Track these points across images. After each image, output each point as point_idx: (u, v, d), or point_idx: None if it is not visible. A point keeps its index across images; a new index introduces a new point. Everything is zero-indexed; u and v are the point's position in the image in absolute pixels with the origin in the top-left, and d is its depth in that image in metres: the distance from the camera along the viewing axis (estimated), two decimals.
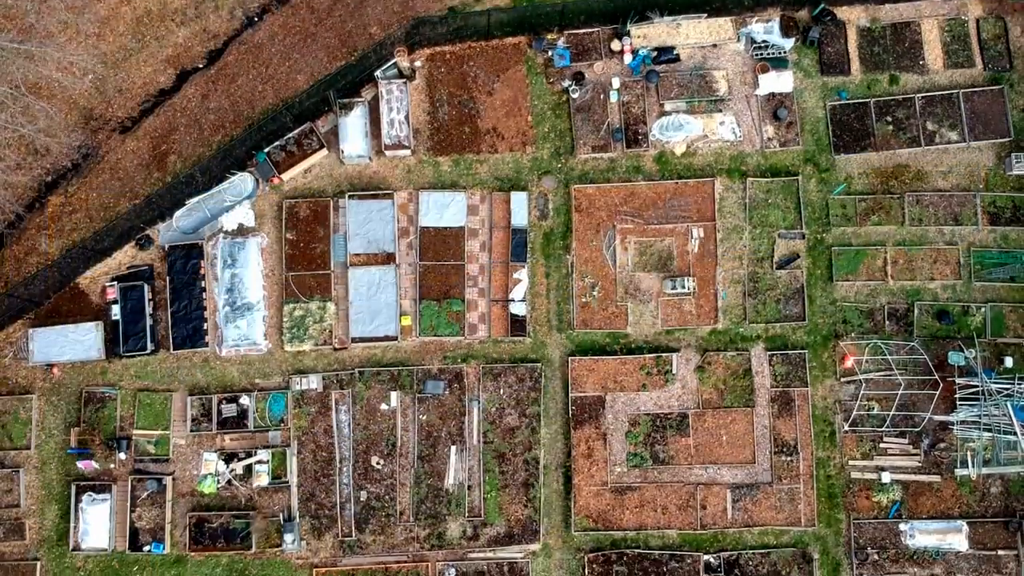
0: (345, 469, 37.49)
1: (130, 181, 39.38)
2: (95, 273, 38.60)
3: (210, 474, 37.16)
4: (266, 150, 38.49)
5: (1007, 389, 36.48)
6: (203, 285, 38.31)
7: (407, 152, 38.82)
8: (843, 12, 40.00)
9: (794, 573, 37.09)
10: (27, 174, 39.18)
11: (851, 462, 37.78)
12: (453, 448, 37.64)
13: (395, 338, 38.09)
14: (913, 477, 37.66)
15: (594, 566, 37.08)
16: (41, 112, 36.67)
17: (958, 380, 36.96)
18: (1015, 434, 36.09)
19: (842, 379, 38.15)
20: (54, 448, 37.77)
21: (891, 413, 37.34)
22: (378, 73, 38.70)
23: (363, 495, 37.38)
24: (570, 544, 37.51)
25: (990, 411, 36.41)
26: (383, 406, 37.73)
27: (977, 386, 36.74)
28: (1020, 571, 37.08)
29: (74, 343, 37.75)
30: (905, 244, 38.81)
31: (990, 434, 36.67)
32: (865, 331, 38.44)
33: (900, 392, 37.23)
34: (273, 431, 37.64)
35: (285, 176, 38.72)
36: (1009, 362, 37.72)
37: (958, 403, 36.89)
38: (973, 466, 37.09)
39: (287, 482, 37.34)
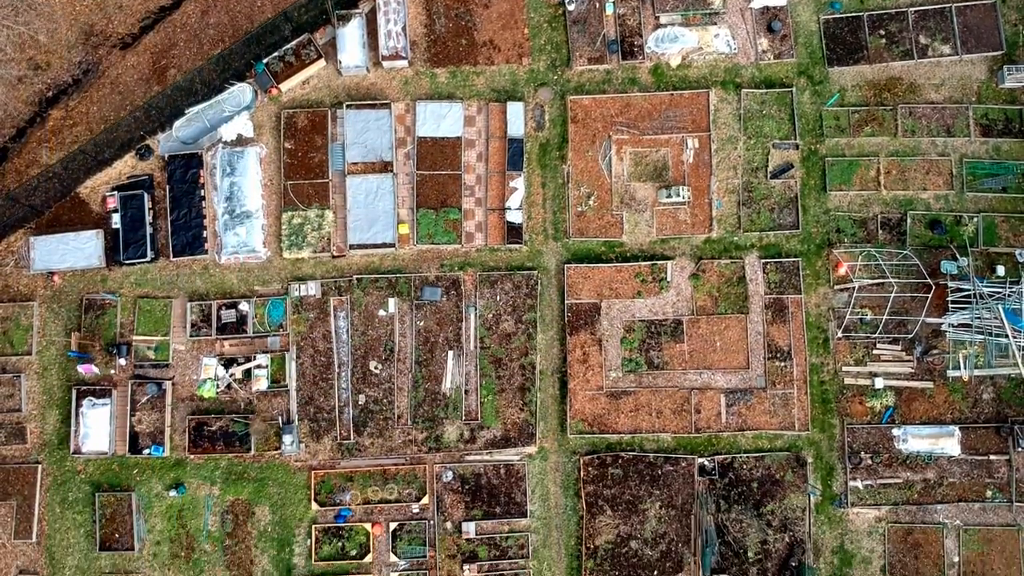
0: (343, 373, 37.81)
1: (130, 95, 39.72)
2: (95, 183, 38.93)
3: (209, 379, 37.49)
4: (264, 61, 38.82)
5: (999, 293, 36.78)
6: (202, 194, 38.64)
7: (404, 63, 39.13)
8: None
9: (788, 476, 37.43)
10: (28, 88, 39.65)
11: (844, 368, 38.11)
12: (450, 353, 37.96)
13: (392, 245, 38.44)
14: (906, 383, 38.00)
15: (589, 468, 37.43)
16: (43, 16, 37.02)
17: (950, 284, 37.26)
18: (1006, 336, 36.41)
19: (835, 287, 38.48)
20: (55, 354, 38.12)
21: (884, 318, 37.64)
22: None
23: (361, 399, 37.71)
24: (566, 447, 37.86)
25: (982, 315, 36.70)
26: (381, 312, 38.07)
27: (969, 290, 37.04)
28: (1011, 476, 37.43)
29: (75, 251, 38.11)
30: (898, 155, 39.15)
31: (982, 337, 36.97)
32: (858, 240, 38.75)
33: (893, 295, 37.51)
34: (272, 336, 37.99)
35: (283, 86, 39.04)
36: (1001, 270, 38.05)
37: (950, 307, 37.17)
38: (965, 368, 37.41)
39: (286, 386, 37.69)
